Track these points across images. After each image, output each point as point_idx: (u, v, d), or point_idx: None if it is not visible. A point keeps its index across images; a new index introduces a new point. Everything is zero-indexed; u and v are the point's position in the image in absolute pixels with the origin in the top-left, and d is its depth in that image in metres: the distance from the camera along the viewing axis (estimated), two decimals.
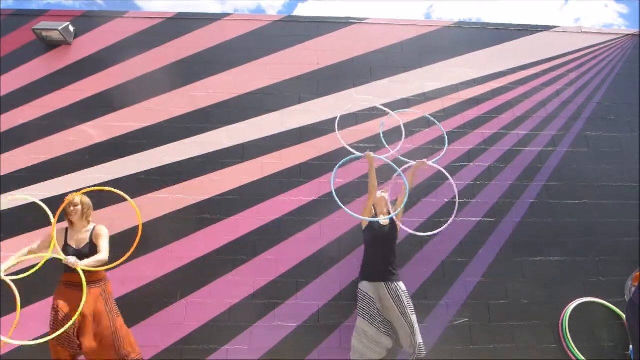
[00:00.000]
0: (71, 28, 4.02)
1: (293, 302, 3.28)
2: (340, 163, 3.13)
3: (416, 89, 4.06)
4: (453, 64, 4.22)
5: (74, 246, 2.74)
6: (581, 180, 3.82)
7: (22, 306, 3.18)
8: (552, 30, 4.49)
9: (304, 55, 4.12)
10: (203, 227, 3.46)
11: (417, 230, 3.52)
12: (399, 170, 3.13)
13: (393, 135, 3.86)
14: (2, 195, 2.75)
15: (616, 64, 4.36)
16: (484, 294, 3.38)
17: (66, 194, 3.04)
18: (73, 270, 2.59)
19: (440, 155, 3.32)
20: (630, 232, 3.65)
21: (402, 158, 3.46)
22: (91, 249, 2.74)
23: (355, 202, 3.56)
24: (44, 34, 3.91)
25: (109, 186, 3.01)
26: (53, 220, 2.65)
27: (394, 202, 3.23)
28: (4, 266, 2.58)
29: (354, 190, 3.61)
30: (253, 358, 3.13)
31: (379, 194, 3.14)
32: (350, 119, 3.89)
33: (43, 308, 3.07)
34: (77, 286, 2.62)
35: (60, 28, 3.87)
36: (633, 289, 3.36)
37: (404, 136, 3.37)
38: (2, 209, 2.97)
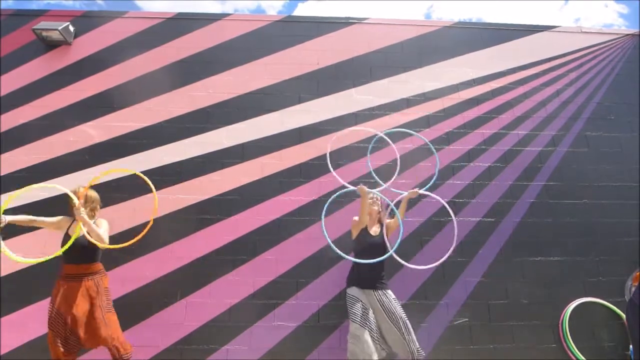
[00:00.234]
0: (71, 28, 4.02)
1: (293, 302, 3.28)
2: (332, 198, 2.98)
3: (416, 89, 4.06)
4: (453, 64, 4.22)
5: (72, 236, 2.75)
6: (581, 180, 3.82)
7: (22, 306, 3.20)
8: (552, 30, 4.49)
9: (304, 55, 4.12)
10: (203, 227, 3.46)
11: (418, 231, 3.52)
12: (392, 204, 3.04)
13: (394, 134, 3.87)
14: (34, 186, 2.80)
15: (616, 64, 4.36)
16: (484, 294, 3.38)
17: (66, 194, 3.05)
18: (71, 262, 2.69)
19: (432, 181, 3.17)
20: (630, 232, 3.65)
21: (395, 190, 3.32)
22: (90, 241, 2.74)
23: (355, 202, 3.56)
24: (44, 34, 3.91)
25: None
26: (76, 202, 2.66)
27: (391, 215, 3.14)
28: (10, 217, 2.61)
29: (354, 191, 3.60)
30: (253, 358, 3.13)
31: (369, 202, 3.06)
32: (350, 119, 3.90)
33: (43, 308, 3.06)
34: (74, 278, 2.68)
35: (60, 28, 3.87)
36: (633, 289, 3.36)
37: (398, 169, 3.20)
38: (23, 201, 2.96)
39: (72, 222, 2.82)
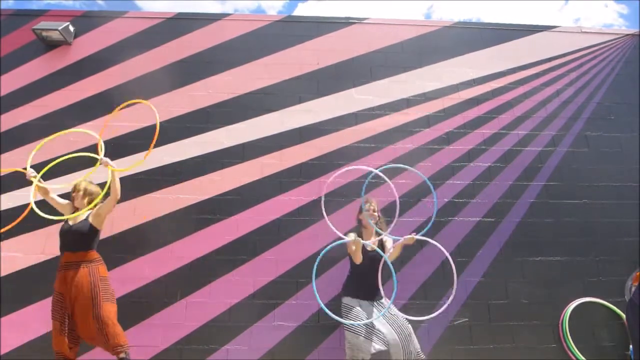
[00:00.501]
0: (71, 28, 4.02)
1: (293, 302, 3.28)
2: (325, 250, 2.79)
3: (416, 89, 4.06)
4: (453, 64, 4.22)
5: (70, 223, 2.80)
6: (581, 180, 3.82)
7: (23, 306, 3.20)
8: (552, 30, 4.49)
9: (304, 55, 4.12)
10: (203, 227, 3.46)
11: (418, 231, 3.52)
12: (385, 256, 2.79)
13: (394, 134, 3.87)
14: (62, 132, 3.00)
15: (616, 64, 4.36)
16: (484, 294, 3.38)
17: (66, 194, 3.05)
18: (68, 249, 2.74)
19: (430, 223, 2.87)
20: (630, 232, 3.64)
21: (391, 236, 3.00)
22: (90, 227, 2.78)
23: (355, 202, 3.56)
24: (44, 34, 3.91)
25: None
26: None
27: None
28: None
29: (354, 191, 3.61)
30: (253, 358, 3.13)
31: (365, 215, 2.97)
32: (350, 119, 3.90)
33: (43, 308, 3.07)
34: (71, 265, 2.71)
35: (60, 28, 3.87)
36: (633, 289, 3.36)
37: (397, 211, 2.94)
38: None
39: (74, 211, 2.88)
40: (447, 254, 2.74)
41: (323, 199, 2.93)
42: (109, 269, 2.86)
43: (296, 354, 3.15)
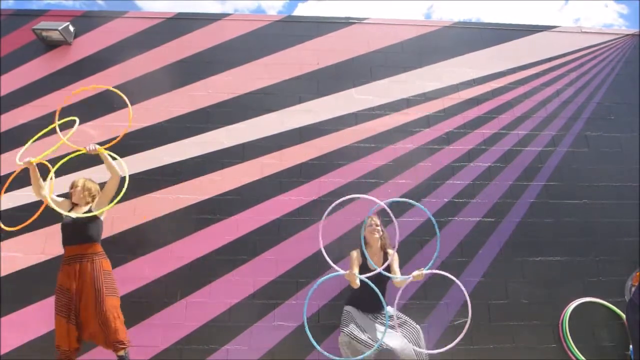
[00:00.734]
0: (71, 28, 4.02)
1: (293, 302, 3.28)
2: (319, 281, 2.80)
3: (416, 89, 4.06)
4: (453, 64, 4.22)
5: (73, 216, 2.79)
6: (581, 180, 3.82)
7: (23, 306, 3.20)
8: (552, 30, 4.49)
9: (304, 55, 4.12)
10: (203, 227, 3.46)
11: (418, 231, 3.52)
12: (393, 276, 2.82)
13: (394, 134, 3.87)
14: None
15: (616, 64, 4.35)
16: (484, 294, 3.38)
17: (66, 194, 3.05)
18: (71, 242, 2.74)
19: (434, 258, 2.80)
20: (630, 232, 3.64)
21: (387, 274, 2.90)
22: (92, 217, 2.79)
23: (356, 202, 3.56)
24: (44, 34, 3.91)
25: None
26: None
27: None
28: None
29: (354, 191, 3.60)
30: (253, 358, 3.13)
31: (369, 230, 2.95)
32: (350, 119, 3.90)
33: (43, 308, 3.08)
34: (74, 259, 2.71)
35: (60, 28, 3.87)
36: (633, 289, 3.36)
37: (396, 245, 2.85)
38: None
39: (73, 207, 2.88)
40: (457, 280, 2.77)
41: (320, 230, 2.86)
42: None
43: (296, 354, 3.15)
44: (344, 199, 2.93)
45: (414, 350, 2.68)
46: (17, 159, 2.80)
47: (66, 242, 2.78)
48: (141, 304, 3.19)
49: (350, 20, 4.33)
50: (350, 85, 4.04)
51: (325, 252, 2.76)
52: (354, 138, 3.81)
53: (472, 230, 3.58)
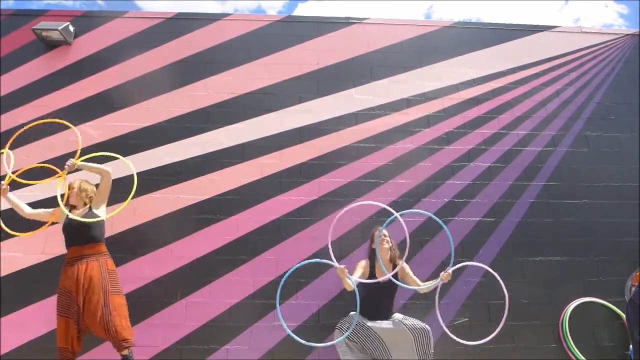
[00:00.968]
0: (71, 28, 4.01)
1: (293, 302, 3.28)
2: (300, 264, 2.82)
3: (416, 89, 4.06)
4: (453, 64, 4.22)
5: (80, 219, 2.77)
6: (581, 180, 3.82)
7: (23, 306, 3.20)
8: (552, 30, 4.49)
9: (304, 55, 4.12)
10: (203, 227, 3.46)
11: (418, 231, 3.52)
12: (400, 283, 2.84)
13: (394, 134, 3.87)
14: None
15: (616, 64, 4.35)
16: (484, 294, 3.37)
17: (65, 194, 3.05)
18: (74, 243, 2.74)
19: (452, 260, 2.79)
20: (630, 232, 3.64)
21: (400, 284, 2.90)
22: (93, 216, 2.79)
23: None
24: (44, 34, 3.91)
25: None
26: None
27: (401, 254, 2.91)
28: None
29: (354, 191, 3.61)
30: (253, 358, 3.13)
31: (380, 238, 2.94)
32: (350, 119, 3.90)
33: (43, 308, 3.08)
34: (77, 259, 2.71)
35: (60, 28, 3.87)
36: (633, 289, 3.35)
37: (407, 252, 2.82)
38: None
39: (70, 210, 2.87)
40: (485, 266, 2.84)
41: (330, 239, 2.80)
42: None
43: (296, 354, 3.15)
44: (359, 203, 3.00)
45: (419, 352, 2.68)
46: None
47: (70, 243, 2.77)
48: (141, 304, 3.18)
49: (350, 20, 4.33)
50: (350, 85, 4.04)
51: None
52: (354, 138, 3.81)
53: (472, 230, 3.58)
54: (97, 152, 3.61)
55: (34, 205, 3.04)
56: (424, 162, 3.78)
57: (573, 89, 4.21)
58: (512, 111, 4.05)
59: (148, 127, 3.77)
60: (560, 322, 3.33)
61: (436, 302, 2.75)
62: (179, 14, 4.27)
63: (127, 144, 3.68)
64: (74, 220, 2.74)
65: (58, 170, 3.01)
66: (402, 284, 2.84)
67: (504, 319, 2.70)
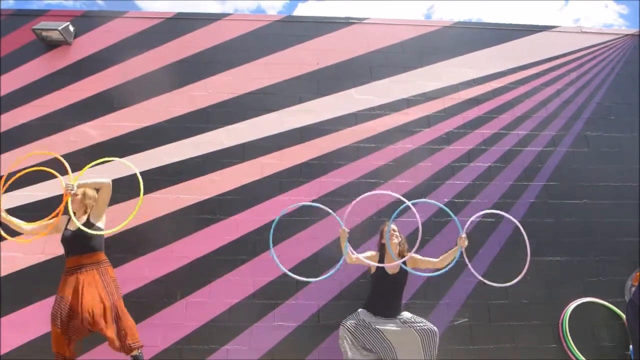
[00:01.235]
0: (71, 28, 4.01)
1: (293, 302, 3.28)
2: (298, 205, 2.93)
3: (416, 89, 4.06)
4: (453, 64, 4.21)
5: (71, 229, 2.78)
6: (581, 180, 3.82)
7: (23, 306, 3.20)
8: (552, 30, 4.49)
9: (304, 55, 4.12)
10: (203, 227, 3.46)
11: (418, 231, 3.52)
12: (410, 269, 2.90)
13: (394, 134, 3.87)
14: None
15: (616, 64, 4.35)
16: (484, 294, 3.38)
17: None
18: (73, 254, 2.73)
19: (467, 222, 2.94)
20: (630, 232, 3.64)
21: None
22: (93, 227, 2.79)
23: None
24: (44, 34, 3.90)
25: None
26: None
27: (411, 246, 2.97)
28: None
29: (354, 191, 3.60)
30: (253, 358, 3.13)
31: (390, 233, 2.97)
32: (350, 119, 3.90)
33: (43, 308, 3.07)
34: (78, 269, 2.71)
35: (60, 28, 3.87)
36: (633, 289, 3.36)
37: (419, 241, 2.86)
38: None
39: (69, 220, 2.85)
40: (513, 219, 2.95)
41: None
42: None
43: (296, 354, 3.15)
44: (370, 193, 3.07)
45: (426, 354, 2.71)
46: None
47: (69, 253, 2.76)
48: (141, 304, 3.19)
49: (350, 20, 4.33)
50: (350, 85, 4.04)
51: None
52: (354, 138, 3.81)
53: (472, 230, 3.57)
54: (97, 152, 3.64)
55: (33, 205, 3.04)
56: (424, 162, 3.79)
57: (573, 89, 4.21)
58: (512, 111, 4.05)
59: (148, 127, 3.77)
60: (560, 322, 3.34)
61: (467, 263, 2.82)
62: (179, 14, 4.27)
63: (127, 144, 3.68)
64: (75, 231, 2.73)
65: (57, 174, 3.00)
66: (414, 271, 2.89)
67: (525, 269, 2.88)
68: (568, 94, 4.18)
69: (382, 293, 2.89)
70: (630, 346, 3.01)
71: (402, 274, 2.92)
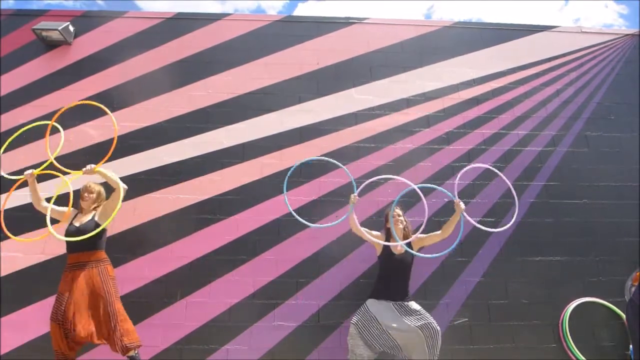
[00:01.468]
0: (71, 28, 4.01)
1: (293, 302, 3.28)
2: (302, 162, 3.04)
3: (416, 89, 4.06)
4: (453, 63, 4.21)
5: (77, 225, 2.79)
6: (581, 180, 3.82)
7: (23, 306, 3.20)
8: (552, 30, 4.49)
9: (304, 55, 4.12)
10: (203, 227, 3.46)
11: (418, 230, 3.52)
12: (415, 252, 2.99)
13: (394, 134, 3.87)
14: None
15: (616, 64, 4.35)
16: (484, 294, 3.38)
17: (66, 194, 3.05)
18: (75, 250, 2.73)
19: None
20: (630, 232, 3.64)
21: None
22: (96, 226, 2.77)
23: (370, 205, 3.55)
24: (44, 34, 3.91)
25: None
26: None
27: (417, 229, 3.05)
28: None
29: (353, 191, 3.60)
30: (253, 358, 3.13)
31: (395, 218, 3.02)
32: (350, 119, 3.90)
33: (43, 308, 3.07)
34: (78, 266, 2.72)
35: (60, 28, 3.87)
36: (633, 289, 3.36)
37: (423, 226, 2.96)
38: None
39: (77, 214, 2.88)
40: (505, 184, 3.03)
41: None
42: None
43: (296, 354, 3.15)
44: (376, 178, 3.15)
45: (430, 353, 2.71)
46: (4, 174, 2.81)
47: (71, 250, 2.77)
48: (141, 304, 3.19)
49: (350, 20, 4.33)
50: (350, 85, 4.04)
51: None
52: (353, 138, 3.81)
53: (472, 230, 3.57)
54: (97, 152, 3.64)
55: (32, 205, 3.02)
56: (424, 162, 3.79)
57: (573, 89, 4.21)
58: (512, 111, 4.05)
59: (148, 127, 3.77)
60: (560, 322, 3.34)
61: (473, 222, 2.95)
62: (179, 14, 4.27)
63: (127, 144, 3.68)
64: (79, 227, 2.75)
65: (58, 174, 2.97)
66: (419, 254, 2.94)
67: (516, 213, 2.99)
68: (568, 94, 4.19)
69: (389, 275, 2.92)
70: (630, 346, 3.01)
71: (408, 254, 2.96)
